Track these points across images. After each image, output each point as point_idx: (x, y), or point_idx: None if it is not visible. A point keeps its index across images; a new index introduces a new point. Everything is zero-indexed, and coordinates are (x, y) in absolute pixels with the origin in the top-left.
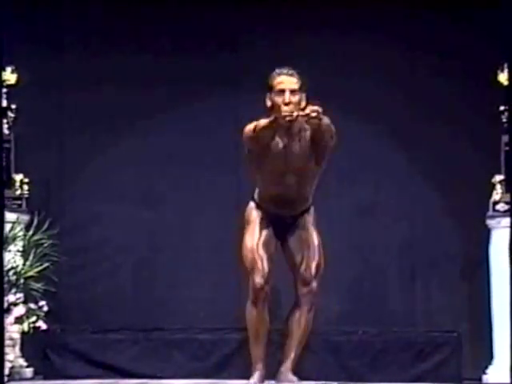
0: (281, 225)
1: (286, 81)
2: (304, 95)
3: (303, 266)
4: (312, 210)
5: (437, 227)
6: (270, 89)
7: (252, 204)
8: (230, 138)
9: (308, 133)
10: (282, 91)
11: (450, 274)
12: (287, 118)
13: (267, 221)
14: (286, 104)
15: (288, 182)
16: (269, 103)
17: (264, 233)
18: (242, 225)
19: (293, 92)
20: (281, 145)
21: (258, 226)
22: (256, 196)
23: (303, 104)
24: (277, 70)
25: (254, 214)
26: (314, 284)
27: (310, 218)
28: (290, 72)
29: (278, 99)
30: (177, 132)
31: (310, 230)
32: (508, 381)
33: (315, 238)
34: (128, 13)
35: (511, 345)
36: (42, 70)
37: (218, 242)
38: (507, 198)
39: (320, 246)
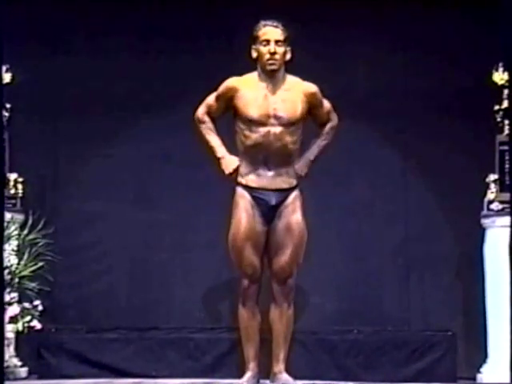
0: (268, 210)
1: (271, 31)
2: (289, 49)
3: (280, 263)
4: (299, 192)
5: (431, 226)
6: (255, 40)
7: (238, 190)
8: (224, 138)
9: (302, 96)
10: (267, 41)
11: (445, 273)
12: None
13: (254, 209)
14: (272, 54)
15: (270, 129)
16: (254, 54)
17: (251, 224)
18: (229, 213)
19: (278, 42)
20: (263, 90)
21: (245, 217)
22: (239, 174)
23: (288, 57)
24: (262, 22)
25: (240, 204)
26: (290, 281)
27: (298, 203)
28: (275, 24)
29: (264, 49)
30: (171, 132)
31: (297, 217)
32: (502, 380)
33: (300, 229)
34: (124, 14)
35: None
36: (36, 69)
37: (212, 241)
38: (501, 197)
39: (303, 238)
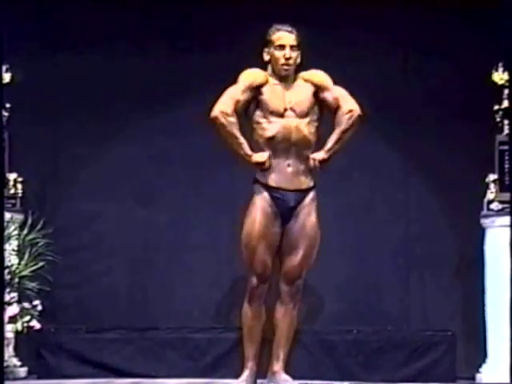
0: (286, 211)
1: (286, 36)
2: (299, 53)
3: (292, 264)
4: (315, 193)
5: (431, 226)
6: (268, 43)
7: (256, 189)
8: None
9: (308, 83)
10: (282, 46)
11: (445, 273)
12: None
13: (272, 209)
14: (287, 59)
15: (288, 120)
16: (267, 57)
17: (267, 224)
18: (244, 210)
19: (292, 48)
20: (278, 87)
21: (261, 217)
22: (258, 172)
23: (299, 60)
24: (276, 26)
25: (257, 203)
26: (298, 282)
27: (314, 205)
28: (289, 29)
29: (279, 54)
30: (171, 131)
31: (312, 219)
32: (501, 380)
33: (314, 231)
34: (123, 14)
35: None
36: (36, 69)
37: (213, 240)
38: (501, 197)
39: (317, 241)
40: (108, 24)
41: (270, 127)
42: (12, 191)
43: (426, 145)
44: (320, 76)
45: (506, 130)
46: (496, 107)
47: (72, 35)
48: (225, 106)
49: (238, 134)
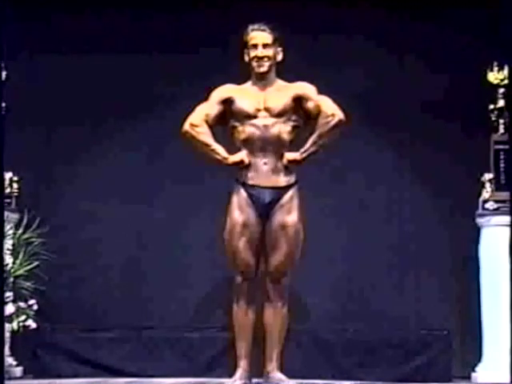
0: (262, 208)
1: (259, 36)
2: (280, 49)
3: (274, 263)
4: (296, 189)
5: (426, 225)
6: (245, 44)
7: (235, 187)
8: (220, 136)
9: (290, 91)
10: (255, 46)
11: (440, 273)
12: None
13: (249, 207)
14: (260, 58)
15: (263, 120)
16: (246, 58)
17: (245, 222)
18: (225, 212)
19: (265, 46)
20: (255, 89)
21: (239, 214)
22: (238, 171)
23: (279, 58)
24: (250, 26)
25: (235, 201)
26: (284, 281)
27: (295, 202)
28: (263, 27)
29: (252, 53)
30: (166, 130)
31: (293, 217)
32: (496, 379)
33: (296, 229)
34: (120, 16)
35: None
36: (33, 69)
37: (208, 240)
38: (497, 196)
39: (299, 238)
40: (104, 26)
41: (245, 129)
42: (8, 190)
43: (420, 144)
44: (304, 86)
45: (501, 130)
46: (491, 106)
47: (66, 35)
48: (193, 119)
49: (209, 141)
